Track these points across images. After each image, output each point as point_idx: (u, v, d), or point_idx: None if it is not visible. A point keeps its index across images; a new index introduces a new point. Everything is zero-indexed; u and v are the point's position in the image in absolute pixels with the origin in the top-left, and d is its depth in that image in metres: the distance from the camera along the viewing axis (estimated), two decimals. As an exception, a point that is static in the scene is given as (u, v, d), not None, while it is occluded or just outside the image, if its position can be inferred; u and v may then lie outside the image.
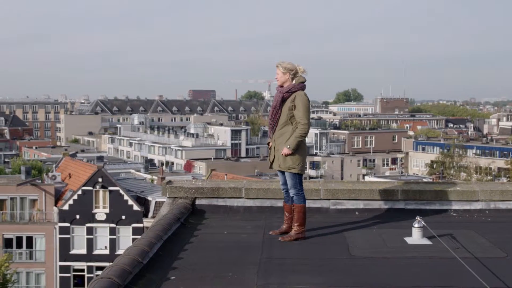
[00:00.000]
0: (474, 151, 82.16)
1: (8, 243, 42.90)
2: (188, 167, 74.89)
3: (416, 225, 6.09)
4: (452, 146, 79.53)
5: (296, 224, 6.18)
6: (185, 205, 7.21)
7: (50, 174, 47.94)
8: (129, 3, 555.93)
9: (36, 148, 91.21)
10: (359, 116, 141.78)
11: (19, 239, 43.19)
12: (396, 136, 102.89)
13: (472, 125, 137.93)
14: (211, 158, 79.05)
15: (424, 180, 55.24)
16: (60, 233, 42.99)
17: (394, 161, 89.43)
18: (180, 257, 5.40)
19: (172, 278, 4.82)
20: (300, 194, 6.25)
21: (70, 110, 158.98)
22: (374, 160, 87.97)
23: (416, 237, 6.07)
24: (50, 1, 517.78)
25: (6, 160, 76.60)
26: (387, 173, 79.60)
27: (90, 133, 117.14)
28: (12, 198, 43.74)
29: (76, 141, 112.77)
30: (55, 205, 43.76)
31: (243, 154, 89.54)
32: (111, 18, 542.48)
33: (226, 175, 48.70)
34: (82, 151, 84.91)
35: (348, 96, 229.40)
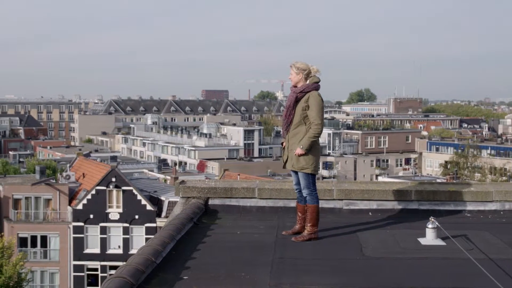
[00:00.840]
0: (488, 151, 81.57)
1: (23, 242, 43.22)
2: (201, 167, 75.04)
3: (429, 226, 6.06)
4: (467, 147, 79.01)
5: (309, 225, 6.17)
6: (198, 205, 7.22)
7: (64, 174, 48.24)
8: (143, 3, 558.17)
9: (50, 148, 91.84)
10: (373, 116, 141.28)
11: (33, 238, 43.50)
12: (410, 136, 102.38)
13: (486, 125, 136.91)
14: (224, 158, 79.16)
15: (438, 180, 54.93)
16: (74, 233, 43.25)
17: (407, 161, 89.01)
18: (193, 257, 5.41)
19: (185, 277, 4.83)
20: (313, 195, 6.24)
21: (84, 110, 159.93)
22: (387, 161, 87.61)
23: (429, 237, 6.03)
24: (64, 1, 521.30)
25: (21, 159, 77.17)
26: (401, 174, 79.25)
27: (104, 133, 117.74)
28: (27, 198, 44.08)
29: (90, 141, 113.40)
30: (69, 204, 44.04)
31: (256, 154, 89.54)
32: (125, 18, 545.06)
33: (239, 175, 48.77)
34: (96, 151, 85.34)
35: (361, 96, 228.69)
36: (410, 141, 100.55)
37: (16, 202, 44.18)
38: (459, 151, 78.71)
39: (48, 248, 43.68)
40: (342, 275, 4.98)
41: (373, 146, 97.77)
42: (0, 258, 34.53)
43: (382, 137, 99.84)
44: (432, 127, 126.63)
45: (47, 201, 44.21)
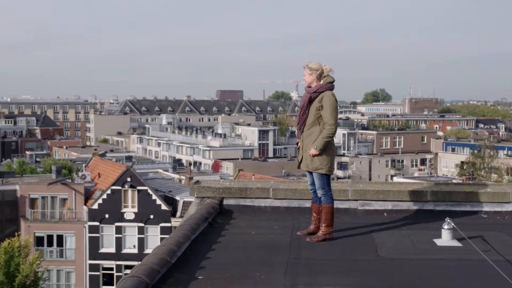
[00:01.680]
0: (505, 152, 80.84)
1: (39, 241, 43.58)
2: (216, 167, 75.17)
3: (445, 227, 6.02)
4: (483, 147, 78.36)
5: (324, 225, 6.16)
6: (213, 205, 7.24)
7: (80, 174, 48.57)
8: (158, 4, 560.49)
9: (66, 147, 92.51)
10: (388, 116, 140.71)
11: (50, 238, 43.84)
12: (425, 137, 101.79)
13: (503, 125, 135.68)
14: (238, 158, 79.22)
15: (454, 181, 54.56)
16: (89, 232, 43.53)
17: (423, 162, 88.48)
18: (208, 257, 5.42)
19: (200, 277, 4.84)
20: (328, 195, 6.23)
21: (100, 110, 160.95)
22: (402, 161, 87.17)
23: (445, 239, 5.99)
24: (81, 3, 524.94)
25: (38, 159, 77.76)
26: (416, 174, 78.81)
27: (119, 133, 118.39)
28: (43, 197, 44.44)
29: (105, 141, 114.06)
30: (85, 204, 44.32)
31: (270, 154, 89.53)
32: (141, 19, 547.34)
33: (253, 175, 48.79)
34: (111, 151, 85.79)
35: (376, 96, 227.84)
36: (425, 141, 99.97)
37: (33, 201, 44.55)
38: (476, 151, 78.09)
39: (64, 247, 44.00)
40: (357, 275, 4.97)
41: (388, 147, 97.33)
42: (17, 257, 34.86)
43: (397, 138, 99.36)
44: (448, 128, 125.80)
45: (63, 200, 44.53)
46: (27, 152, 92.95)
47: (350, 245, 5.96)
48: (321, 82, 6.22)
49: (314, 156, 6.11)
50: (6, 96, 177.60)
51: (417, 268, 5.18)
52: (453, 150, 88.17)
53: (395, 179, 70.16)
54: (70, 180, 47.05)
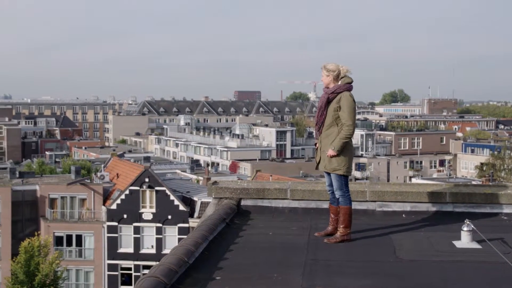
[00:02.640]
0: (526, 153, 79.81)
1: (58, 241, 43.96)
2: (233, 167, 75.29)
3: (465, 229, 5.96)
4: (503, 148, 77.52)
5: (341, 226, 6.14)
6: (231, 205, 7.24)
7: (98, 174, 48.92)
8: (176, 6, 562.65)
9: (85, 148, 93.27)
10: (406, 117, 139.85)
11: (69, 237, 44.19)
12: (444, 138, 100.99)
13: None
14: (256, 159, 79.27)
15: (474, 182, 54.04)
16: (108, 232, 43.80)
17: (442, 163, 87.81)
18: (225, 257, 5.43)
19: (217, 278, 4.85)
20: (346, 196, 6.21)
21: (118, 111, 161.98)
22: (421, 162, 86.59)
23: (465, 240, 5.94)
24: (100, 5, 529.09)
25: (57, 160, 78.51)
26: (435, 175, 78.18)
27: (137, 134, 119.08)
28: (62, 197, 44.82)
29: (123, 141, 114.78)
30: (104, 204, 44.61)
31: (288, 155, 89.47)
32: (159, 21, 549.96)
33: (271, 176, 48.77)
34: (130, 151, 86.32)
35: (394, 97, 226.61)
36: (444, 142, 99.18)
37: (52, 201, 44.95)
38: (496, 152, 77.30)
39: (83, 247, 44.33)
40: (375, 277, 4.94)
41: (407, 148, 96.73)
42: (37, 257, 35.22)
43: (416, 139, 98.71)
44: (468, 129, 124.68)
45: (82, 200, 44.87)
46: (46, 153, 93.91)
47: (368, 247, 5.93)
48: (339, 83, 6.21)
49: (331, 157, 6.11)
50: (27, 97, 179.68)
51: (436, 270, 5.14)
52: (472, 151, 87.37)
53: (414, 180, 69.69)
54: (89, 181, 47.40)
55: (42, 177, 51.46)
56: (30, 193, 45.82)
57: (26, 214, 45.81)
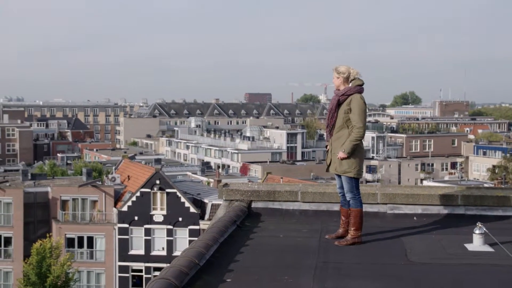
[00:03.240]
0: (538, 155, 79.17)
1: (70, 242, 44.16)
2: (244, 170, 75.31)
3: (477, 232, 5.93)
4: (516, 150, 76.98)
5: (352, 229, 6.13)
6: (241, 207, 7.25)
7: (110, 176, 49.11)
8: (186, 9, 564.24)
9: (96, 150, 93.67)
10: (417, 119, 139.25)
11: (80, 239, 44.38)
12: (456, 140, 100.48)
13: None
14: (266, 161, 79.26)
15: (485, 185, 53.70)
16: (119, 234, 43.95)
17: (453, 165, 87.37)
18: (236, 260, 5.43)
19: (228, 280, 4.85)
20: (356, 198, 6.20)
21: (129, 113, 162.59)
22: (432, 165, 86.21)
23: (477, 243, 5.91)
24: (111, 7, 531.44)
25: (69, 162, 78.91)
26: (446, 178, 77.77)
27: (148, 136, 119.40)
28: (74, 199, 45.03)
29: (134, 143, 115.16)
30: (115, 206, 44.76)
31: (298, 157, 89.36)
32: (170, 23, 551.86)
33: (281, 178, 48.74)
34: (141, 153, 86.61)
35: (405, 99, 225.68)
36: (456, 145, 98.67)
37: (64, 203, 45.17)
38: (508, 155, 76.76)
39: (94, 249, 44.49)
40: (386, 280, 4.92)
41: (418, 150, 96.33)
42: (48, 258, 35.40)
43: (427, 141, 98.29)
44: (479, 131, 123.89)
45: (94, 202, 45.06)
46: (58, 155, 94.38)
47: (379, 249, 5.91)
48: (350, 85, 6.20)
49: (342, 159, 6.10)
50: (39, 99, 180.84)
51: (448, 273, 5.11)
52: (484, 153, 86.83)
53: (425, 182, 69.38)
54: (100, 183, 47.58)
55: (54, 179, 51.76)
56: (42, 195, 46.08)
57: (38, 215, 46.07)
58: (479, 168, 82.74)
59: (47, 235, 39.57)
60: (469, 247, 5.90)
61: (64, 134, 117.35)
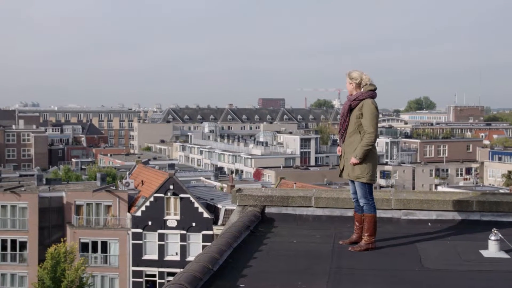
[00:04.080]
0: (555, 161, 78.53)
1: (84, 247, 44.38)
2: (257, 175, 75.28)
3: (492, 238, 5.88)
4: (531, 156, 76.31)
5: (366, 234, 6.10)
6: (255, 213, 7.24)
7: (124, 181, 49.32)
8: (200, 14, 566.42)
9: (110, 155, 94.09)
10: (432, 124, 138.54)
11: (94, 244, 44.57)
12: (471, 146, 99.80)
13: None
14: (280, 167, 79.20)
15: (501, 191, 53.25)
16: (133, 239, 44.09)
17: (468, 171, 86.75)
18: (249, 265, 5.42)
19: (241, 285, 4.85)
20: (370, 204, 6.17)
21: (143, 119, 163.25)
22: (447, 170, 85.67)
23: (492, 250, 5.85)
24: (125, 13, 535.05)
25: (83, 167, 79.36)
26: (461, 184, 77.28)
27: (162, 141, 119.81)
28: (88, 204, 45.27)
29: (148, 148, 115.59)
30: (129, 211, 44.93)
31: (312, 162, 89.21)
32: (183, 28, 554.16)
33: (295, 183, 48.67)
34: (154, 158, 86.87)
35: (420, 104, 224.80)
36: (471, 150, 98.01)
37: (78, 208, 45.42)
38: (524, 160, 76.10)
39: (108, 254, 44.66)
40: (400, 286, 4.89)
41: (432, 155, 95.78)
42: (63, 263, 35.62)
43: (441, 146, 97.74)
44: (495, 136, 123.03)
45: (107, 207, 45.26)
46: (73, 160, 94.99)
47: (393, 255, 5.87)
48: (362, 90, 6.20)
49: (354, 164, 6.09)
50: (54, 105, 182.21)
51: (463, 280, 5.07)
52: (500, 159, 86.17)
53: (440, 188, 68.92)
54: (114, 187, 47.80)
55: (68, 184, 52.08)
56: (57, 200, 46.38)
57: (53, 220, 46.38)
58: (494, 174, 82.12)
59: (62, 240, 39.82)
60: (485, 253, 5.85)
61: (78, 139, 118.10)
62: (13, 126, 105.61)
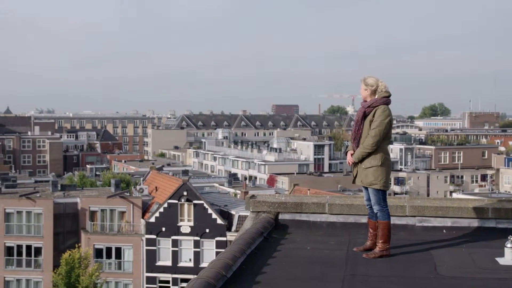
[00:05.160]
0: None
1: (98, 253, 44.55)
2: (271, 181, 75.22)
3: (508, 245, 5.82)
4: (547, 163, 75.55)
5: (380, 241, 6.07)
6: (268, 219, 7.24)
7: (138, 187, 49.49)
8: (213, 21, 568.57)
9: (125, 161, 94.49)
10: (446, 131, 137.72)
11: (108, 250, 44.73)
12: (486, 152, 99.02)
13: None
14: (294, 173, 79.06)
15: (517, 198, 52.65)
16: (146, 245, 44.20)
17: (483, 177, 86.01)
18: (263, 272, 5.41)
19: (255, 292, 4.84)
20: (384, 211, 6.14)
21: (157, 125, 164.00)
22: (462, 177, 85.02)
23: (508, 257, 5.80)
24: (138, 20, 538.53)
25: (97, 173, 79.78)
26: (476, 190, 76.61)
27: (176, 147, 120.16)
28: (102, 210, 45.47)
29: (162, 155, 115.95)
30: (142, 217, 45.06)
31: (326, 169, 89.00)
32: (197, 35, 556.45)
33: (309, 190, 48.55)
34: (168, 164, 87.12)
35: (434, 111, 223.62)
36: (486, 156, 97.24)
37: (93, 214, 45.64)
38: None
39: (122, 260, 44.80)
40: (415, 294, 4.85)
41: (447, 162, 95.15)
42: (77, 268, 35.80)
43: (456, 153, 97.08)
44: (510, 143, 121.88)
45: (122, 213, 45.43)
46: (87, 166, 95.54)
47: (408, 262, 5.84)
48: (376, 96, 6.18)
49: (351, 164, 6.16)
50: (69, 111, 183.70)
51: None
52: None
53: (455, 195, 68.44)
54: (128, 194, 47.99)
55: (83, 190, 52.38)
56: (71, 206, 46.66)
57: (67, 226, 46.64)
58: (510, 181, 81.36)
59: (76, 246, 40.05)
60: (501, 261, 5.79)
61: (93, 146, 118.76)
62: (29, 133, 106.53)
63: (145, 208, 46.06)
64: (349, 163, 6.26)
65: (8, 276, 45.30)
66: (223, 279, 4.90)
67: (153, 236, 44.01)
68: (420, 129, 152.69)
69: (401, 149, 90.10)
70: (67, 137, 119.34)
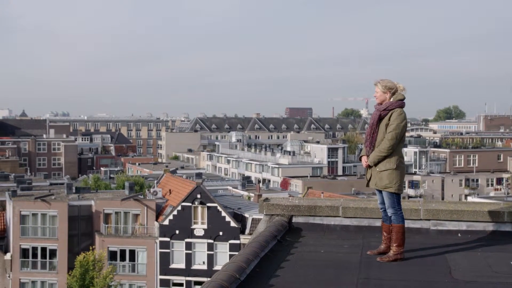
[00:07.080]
0: None
1: (112, 255, 44.76)
2: (285, 184, 75.14)
3: (524, 249, 5.77)
4: None
5: (394, 245, 6.04)
6: (282, 222, 7.23)
7: (151, 190, 49.66)
8: (228, 23, 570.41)
9: (139, 164, 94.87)
10: (461, 134, 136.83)
11: (122, 252, 44.93)
12: (502, 155, 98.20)
13: None
14: (307, 176, 78.90)
15: (533, 201, 52.12)
16: (160, 248, 44.33)
17: (499, 181, 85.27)
18: (276, 275, 5.41)
19: (268, 295, 4.83)
20: (398, 214, 6.11)
21: (171, 128, 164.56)
22: (477, 180, 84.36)
23: (524, 261, 5.74)
24: (153, 23, 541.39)
25: (112, 175, 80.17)
26: (492, 194, 75.94)
27: (190, 150, 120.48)
28: (116, 212, 45.69)
29: (176, 158, 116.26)
30: (156, 220, 45.20)
31: (339, 172, 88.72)
32: (210, 39, 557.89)
33: (322, 193, 48.47)
34: (182, 167, 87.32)
35: (449, 114, 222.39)
36: (502, 160, 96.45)
37: (107, 216, 45.87)
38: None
39: (136, 262, 44.97)
40: (430, 298, 4.82)
41: (462, 165, 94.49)
42: (91, 271, 35.98)
43: (471, 156, 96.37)
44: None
45: (136, 216, 45.62)
46: (102, 168, 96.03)
47: (422, 266, 5.80)
48: (391, 99, 6.16)
49: (366, 167, 6.12)
50: (83, 114, 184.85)
51: (493, 292, 4.98)
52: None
53: (470, 198, 67.93)
54: (142, 196, 48.16)
55: (97, 192, 52.65)
56: (86, 208, 46.92)
57: (82, 228, 46.91)
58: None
59: (90, 248, 40.26)
60: (516, 265, 5.74)
61: (107, 148, 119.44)
62: (44, 136, 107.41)
63: (159, 211, 46.20)
64: (364, 165, 6.24)
65: (24, 278, 45.65)
66: (237, 282, 4.91)
67: (167, 239, 44.13)
68: (435, 132, 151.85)
69: (415, 152, 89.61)
70: (82, 140, 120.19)
